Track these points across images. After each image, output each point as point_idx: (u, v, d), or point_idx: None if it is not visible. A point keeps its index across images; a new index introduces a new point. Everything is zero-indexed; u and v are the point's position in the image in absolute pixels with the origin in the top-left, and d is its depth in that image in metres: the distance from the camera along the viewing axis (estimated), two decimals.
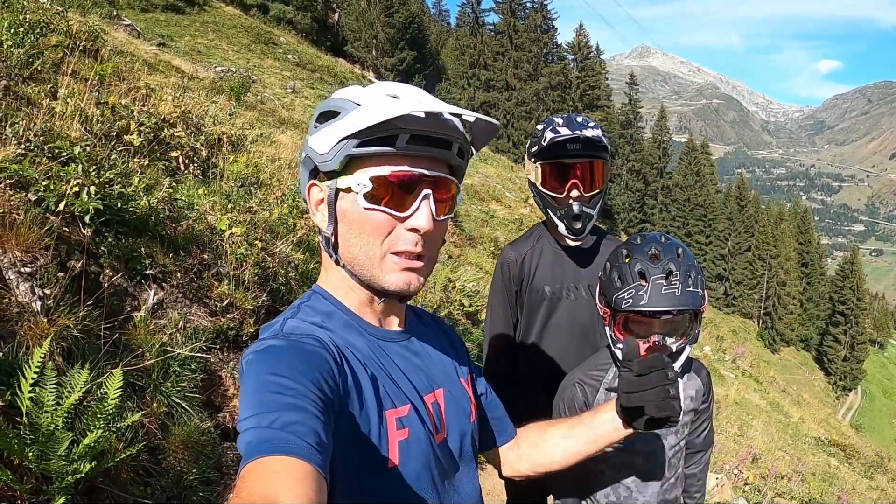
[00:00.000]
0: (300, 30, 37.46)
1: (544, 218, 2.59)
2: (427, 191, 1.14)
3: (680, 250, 1.91)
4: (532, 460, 1.61)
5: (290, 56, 28.38)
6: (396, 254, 1.16)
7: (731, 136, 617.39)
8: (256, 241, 4.39)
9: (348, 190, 1.14)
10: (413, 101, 1.12)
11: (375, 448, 1.12)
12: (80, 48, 5.91)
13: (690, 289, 1.86)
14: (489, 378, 2.68)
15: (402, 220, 1.14)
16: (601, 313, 2.09)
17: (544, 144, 2.41)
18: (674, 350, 1.97)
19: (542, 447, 1.61)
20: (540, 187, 2.46)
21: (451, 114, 1.13)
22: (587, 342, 2.59)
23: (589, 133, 2.37)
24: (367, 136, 1.09)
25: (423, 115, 1.09)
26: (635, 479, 2.19)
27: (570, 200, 2.40)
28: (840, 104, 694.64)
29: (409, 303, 1.37)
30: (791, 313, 64.22)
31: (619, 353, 2.04)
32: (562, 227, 2.45)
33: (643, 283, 1.87)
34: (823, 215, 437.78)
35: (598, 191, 2.43)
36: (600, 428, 1.56)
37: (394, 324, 1.32)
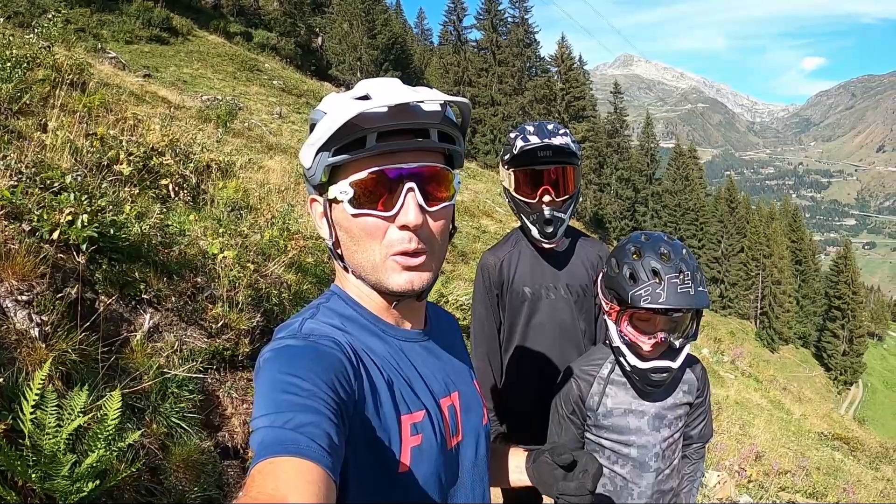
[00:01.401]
0: (284, 55, 37.66)
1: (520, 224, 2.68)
2: (410, 184, 1.11)
3: (685, 251, 2.01)
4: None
5: (275, 82, 28.54)
6: (395, 255, 1.14)
7: (718, 139, 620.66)
8: (248, 264, 4.44)
9: (337, 199, 1.14)
10: (379, 97, 1.09)
11: (388, 453, 1.11)
12: (68, 81, 6.00)
13: (700, 288, 1.96)
14: (479, 379, 2.76)
15: (391, 218, 1.12)
16: (606, 308, 2.16)
17: (515, 153, 2.50)
18: (677, 346, 2.06)
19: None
20: (513, 193, 2.56)
21: (419, 101, 1.10)
22: (569, 340, 2.69)
23: (558, 141, 2.47)
24: (337, 144, 1.09)
25: (384, 110, 1.08)
26: (630, 469, 2.27)
27: (542, 205, 2.49)
28: (824, 101, 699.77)
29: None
30: (787, 311, 64.26)
31: (623, 348, 2.12)
32: (534, 232, 2.55)
33: (658, 281, 1.95)
34: (814, 212, 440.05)
35: (568, 196, 2.53)
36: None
37: (414, 323, 1.31)
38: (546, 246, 2.62)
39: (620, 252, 2.09)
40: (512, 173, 2.56)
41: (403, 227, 1.12)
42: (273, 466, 0.84)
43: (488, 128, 50.04)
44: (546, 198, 2.49)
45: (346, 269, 1.22)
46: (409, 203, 1.11)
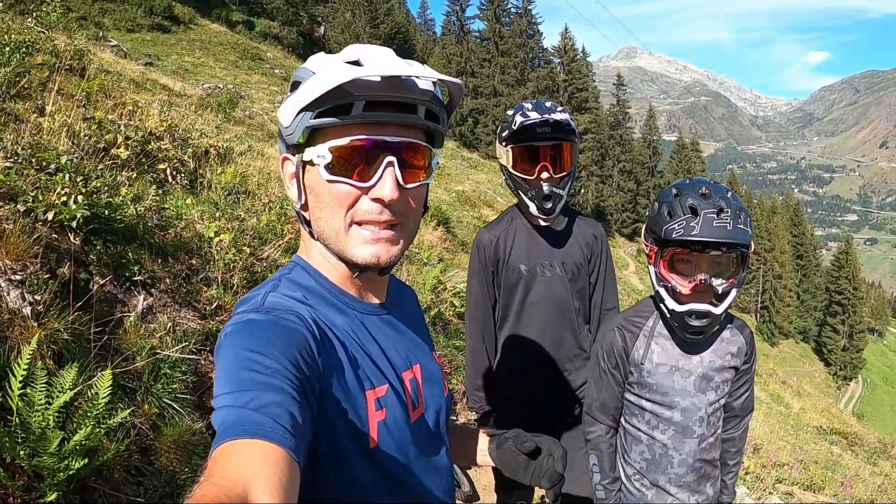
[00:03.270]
0: (286, 45, 37.53)
1: (516, 201, 2.68)
2: (390, 158, 1.10)
3: (729, 193, 1.96)
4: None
5: (277, 71, 28.45)
6: (360, 224, 1.13)
7: (721, 133, 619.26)
8: (245, 248, 4.44)
9: (312, 162, 1.12)
10: (373, 65, 1.07)
11: (356, 429, 1.10)
12: (66, 67, 5.98)
13: (741, 226, 1.89)
14: (473, 356, 2.81)
15: (366, 190, 1.11)
16: (647, 251, 2.11)
17: (514, 128, 2.51)
18: (720, 292, 1.97)
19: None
20: (511, 170, 2.56)
21: (416, 76, 1.08)
22: (564, 318, 2.70)
23: (557, 116, 2.47)
24: (322, 107, 1.07)
25: (378, 79, 1.05)
26: (673, 435, 2.19)
27: (541, 182, 2.49)
28: (828, 95, 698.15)
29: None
30: (788, 306, 64.44)
31: (662, 292, 2.06)
32: (533, 208, 2.55)
33: (693, 216, 1.90)
34: (816, 207, 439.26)
35: (566, 173, 2.53)
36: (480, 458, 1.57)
37: (375, 296, 1.29)
38: (543, 223, 2.63)
39: (662, 194, 2.06)
40: (510, 150, 2.56)
41: (377, 200, 1.11)
42: (235, 448, 0.82)
43: (490, 118, 49.79)
44: (544, 174, 2.50)
45: (311, 234, 1.20)
46: (387, 177, 1.10)
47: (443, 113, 1.18)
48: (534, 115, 2.48)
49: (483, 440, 1.56)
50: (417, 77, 1.09)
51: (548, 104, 2.55)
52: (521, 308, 2.70)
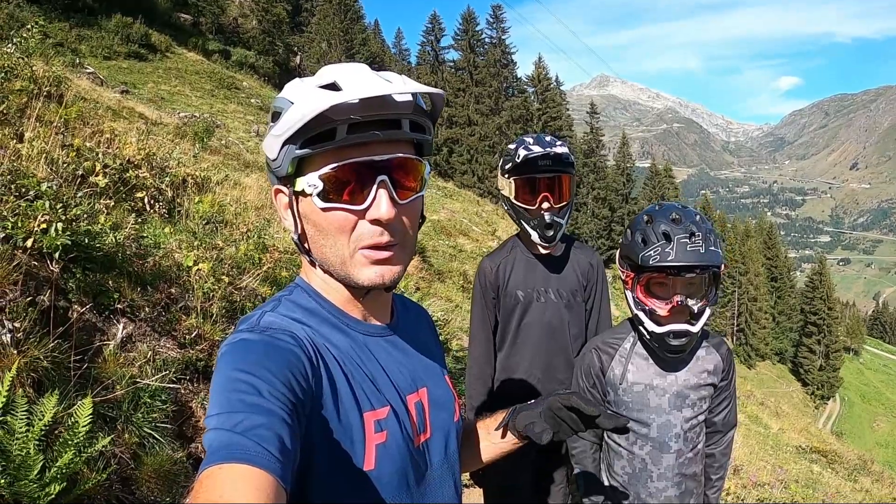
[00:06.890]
0: (262, 74, 37.55)
1: (517, 231, 2.84)
2: (382, 177, 1.09)
3: (698, 217, 2.06)
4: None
5: (253, 100, 28.46)
6: (364, 248, 1.12)
7: (694, 159, 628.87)
8: (223, 277, 4.44)
9: (304, 192, 1.10)
10: (350, 87, 1.06)
11: (352, 451, 1.09)
12: (45, 93, 5.96)
13: (713, 248, 1.99)
14: (473, 378, 2.92)
15: (362, 213, 1.10)
16: (623, 277, 2.19)
17: (518, 161, 2.65)
18: (695, 311, 2.08)
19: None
20: (514, 201, 2.70)
21: (388, 93, 1.06)
22: (556, 342, 2.82)
23: (558, 150, 2.64)
24: (306, 136, 1.06)
25: (357, 101, 1.03)
26: (650, 450, 2.26)
27: (542, 211, 2.63)
28: (798, 119, 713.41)
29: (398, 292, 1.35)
30: (764, 328, 65.00)
31: (641, 315, 2.14)
32: (535, 236, 2.69)
33: (667, 242, 1.99)
34: (789, 229, 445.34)
35: (566, 202, 2.67)
36: (500, 444, 1.50)
37: (380, 317, 1.27)
38: (544, 251, 2.77)
39: (634, 221, 2.14)
40: (512, 181, 2.70)
41: (375, 222, 1.10)
42: (222, 473, 0.82)
43: (465, 148, 49.99)
44: (545, 204, 2.63)
45: (312, 262, 1.19)
46: (381, 197, 1.09)
47: (427, 122, 1.16)
48: (536, 149, 2.63)
49: (488, 434, 1.51)
50: (396, 93, 1.06)
51: (548, 138, 2.71)
52: (516, 332, 2.84)
